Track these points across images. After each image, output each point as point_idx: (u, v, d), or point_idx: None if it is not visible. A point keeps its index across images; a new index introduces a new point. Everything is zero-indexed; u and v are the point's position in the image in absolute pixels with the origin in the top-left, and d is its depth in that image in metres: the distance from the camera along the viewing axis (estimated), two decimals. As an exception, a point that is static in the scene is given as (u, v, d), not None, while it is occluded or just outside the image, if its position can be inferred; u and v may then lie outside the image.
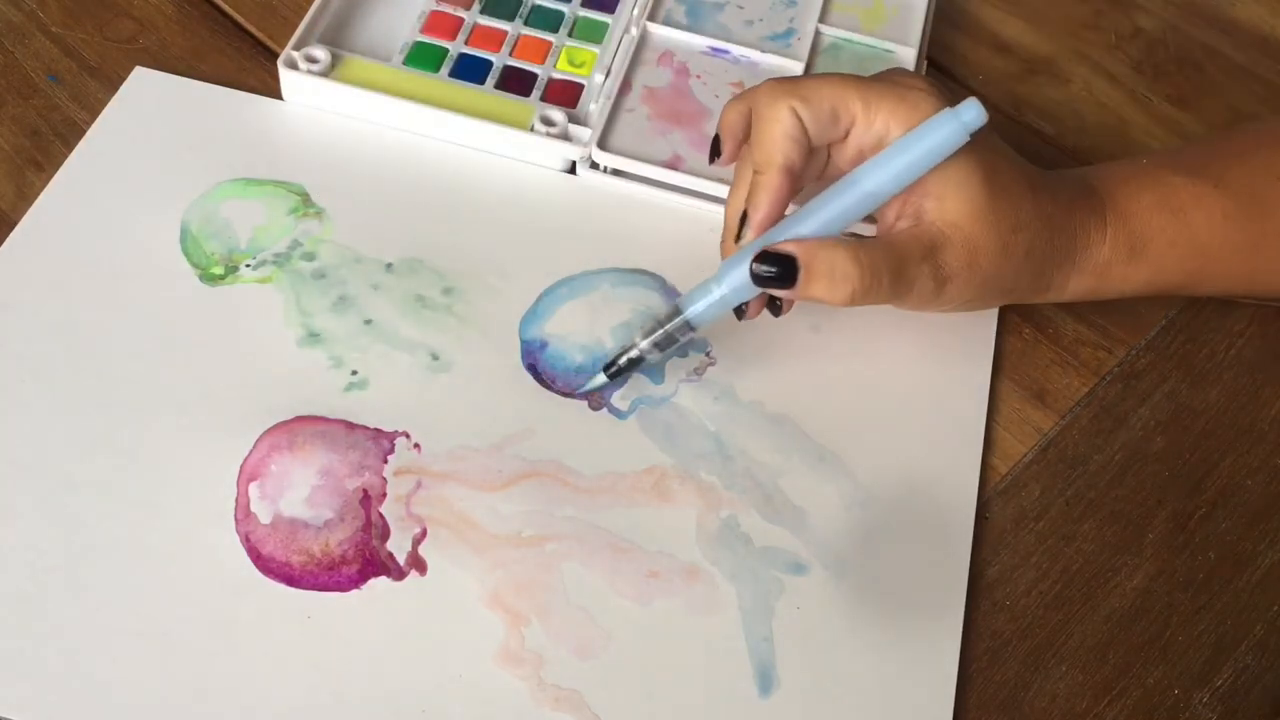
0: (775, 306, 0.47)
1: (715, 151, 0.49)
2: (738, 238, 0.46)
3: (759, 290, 0.45)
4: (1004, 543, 0.47)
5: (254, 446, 0.46)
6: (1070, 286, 0.48)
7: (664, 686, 0.43)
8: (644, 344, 0.47)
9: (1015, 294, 0.48)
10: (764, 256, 0.44)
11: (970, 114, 0.43)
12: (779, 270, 0.44)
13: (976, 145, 0.44)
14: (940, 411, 0.50)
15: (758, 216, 0.45)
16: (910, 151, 0.44)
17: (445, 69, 0.57)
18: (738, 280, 0.45)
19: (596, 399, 0.49)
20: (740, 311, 0.47)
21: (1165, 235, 0.47)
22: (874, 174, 0.44)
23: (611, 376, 0.48)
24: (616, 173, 0.55)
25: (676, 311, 0.47)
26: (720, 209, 0.54)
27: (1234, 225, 0.48)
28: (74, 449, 0.46)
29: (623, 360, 0.47)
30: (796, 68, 0.58)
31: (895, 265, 0.44)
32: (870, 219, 0.47)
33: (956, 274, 0.45)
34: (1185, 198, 0.48)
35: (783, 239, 0.44)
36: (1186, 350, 0.53)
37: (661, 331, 0.47)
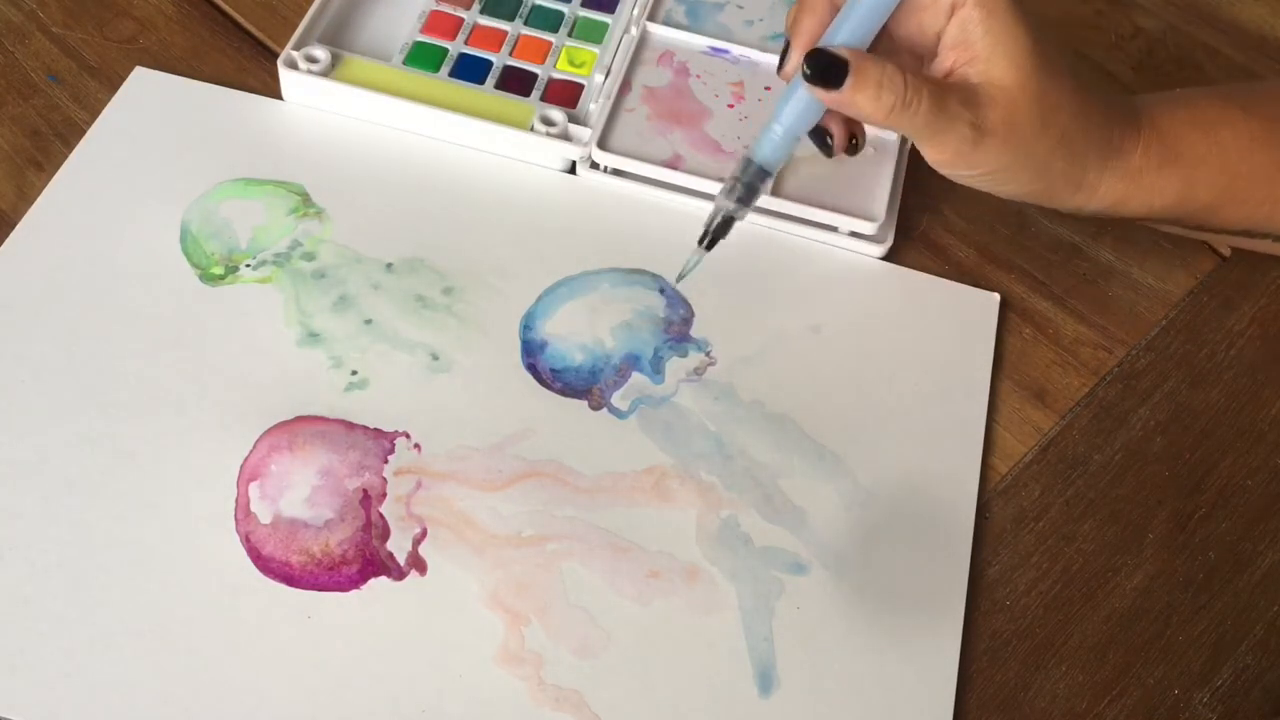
0: (854, 145, 0.47)
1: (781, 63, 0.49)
2: (782, 66, 0.46)
3: (814, 119, 0.45)
4: (1004, 543, 0.47)
5: (254, 446, 0.46)
6: (1102, 189, 0.48)
7: (664, 686, 0.43)
8: (728, 203, 0.47)
9: (1048, 180, 0.48)
10: (815, 55, 0.44)
11: None
12: (829, 70, 0.44)
13: (1029, 20, 0.45)
14: (940, 411, 0.50)
15: (800, 40, 0.45)
16: None
17: (445, 69, 0.57)
18: (793, 110, 0.45)
19: (597, 399, 0.49)
20: (829, 148, 0.47)
21: (1196, 150, 0.48)
22: None
23: (709, 246, 0.47)
24: (616, 172, 0.55)
25: (748, 162, 0.46)
26: (720, 209, 0.54)
27: (1261, 148, 0.49)
28: (74, 449, 0.46)
29: (713, 225, 0.47)
30: (796, 68, 0.58)
31: (938, 96, 0.44)
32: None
33: (995, 130, 0.45)
34: (1217, 119, 0.49)
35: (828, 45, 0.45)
36: (1186, 350, 0.53)
37: (741, 185, 0.46)
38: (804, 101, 0.45)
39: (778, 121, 0.46)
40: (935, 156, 0.47)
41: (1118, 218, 0.50)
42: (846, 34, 0.45)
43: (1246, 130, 0.49)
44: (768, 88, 0.58)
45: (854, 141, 0.48)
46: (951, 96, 0.45)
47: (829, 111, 0.46)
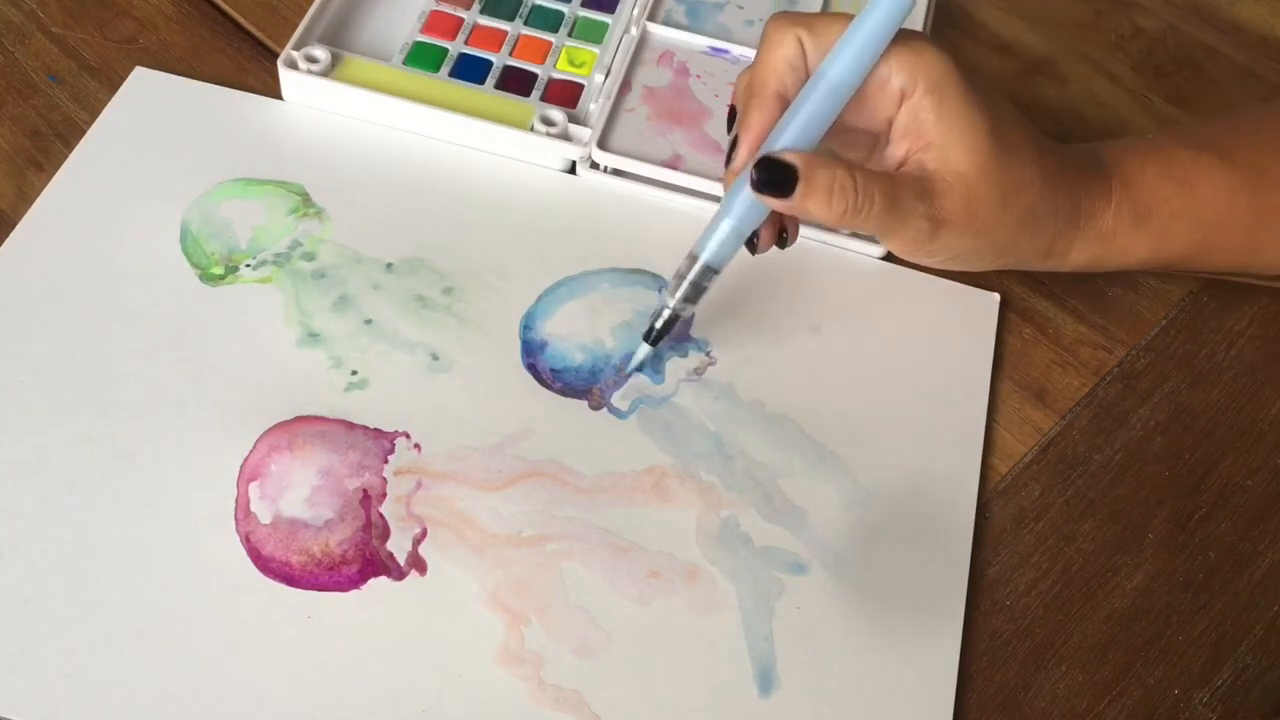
0: (782, 239, 0.47)
1: (729, 125, 0.49)
2: (729, 163, 0.46)
3: (764, 215, 0.45)
4: (1004, 543, 0.47)
5: (254, 446, 0.46)
6: (1073, 255, 0.48)
7: (664, 686, 0.43)
8: (674, 302, 0.47)
9: (1015, 255, 0.48)
10: (764, 163, 0.43)
11: None
12: (778, 178, 0.43)
13: (984, 101, 0.44)
14: (940, 411, 0.50)
15: (748, 137, 0.45)
16: (860, 30, 0.44)
17: (445, 69, 0.57)
18: (743, 208, 0.45)
19: (597, 399, 0.49)
20: (753, 245, 0.46)
21: (1170, 206, 0.48)
22: (834, 64, 0.44)
23: (654, 343, 0.48)
24: (616, 172, 0.55)
25: (694, 260, 0.46)
26: (718, 208, 0.54)
27: (1238, 198, 0.48)
28: (74, 449, 0.46)
29: (659, 324, 0.48)
30: (796, 68, 0.58)
31: (891, 194, 0.44)
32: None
33: (952, 220, 0.45)
34: (1191, 169, 0.48)
35: (776, 148, 0.44)
36: (1186, 350, 0.53)
37: (687, 284, 0.46)
38: (752, 199, 0.44)
39: (725, 217, 0.45)
40: (892, 247, 0.47)
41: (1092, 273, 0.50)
42: (795, 133, 0.44)
43: (1225, 181, 0.48)
44: (768, 88, 0.57)
45: (783, 237, 0.47)
46: (905, 191, 0.44)
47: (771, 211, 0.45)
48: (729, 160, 0.46)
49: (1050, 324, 0.53)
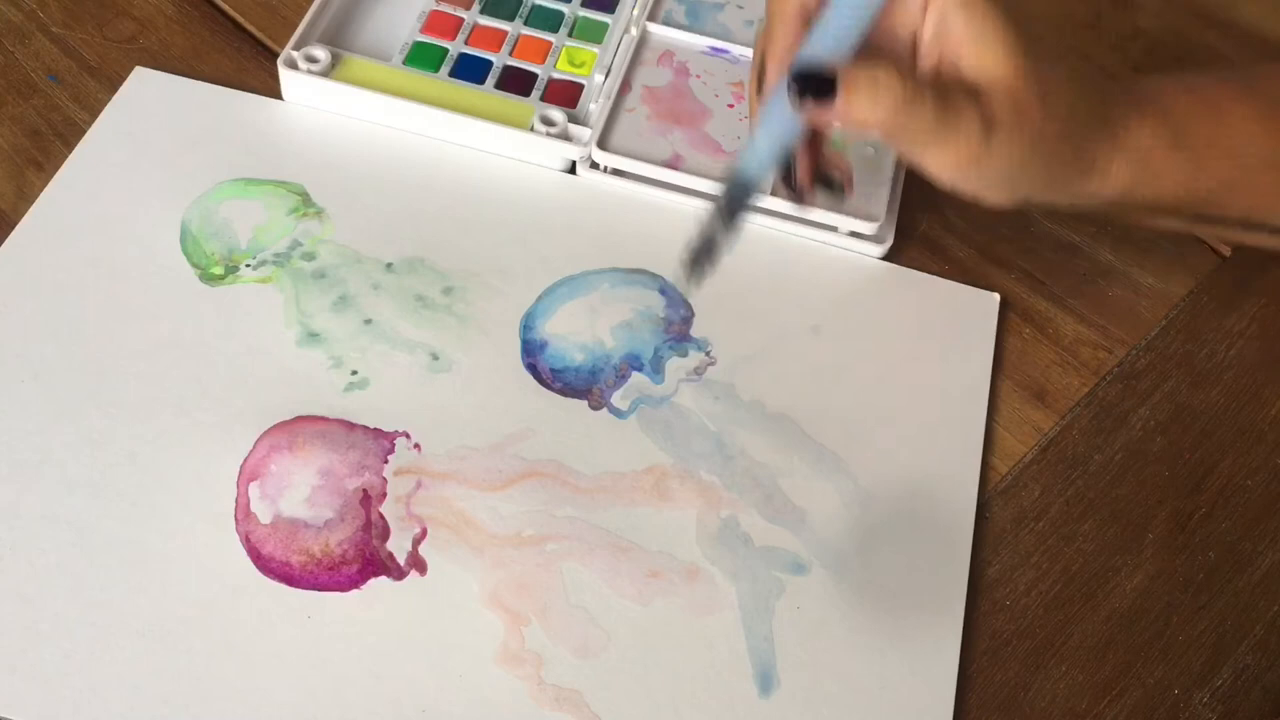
0: (830, 180, 0.44)
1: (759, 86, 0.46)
2: (759, 89, 0.44)
3: (799, 130, 0.42)
4: (1004, 543, 0.47)
5: (254, 446, 0.46)
6: (1113, 172, 0.45)
7: (664, 686, 0.43)
8: (709, 220, 0.43)
9: (1059, 169, 0.45)
10: (800, 73, 0.40)
11: None
12: (819, 85, 0.40)
13: (1010, 6, 0.42)
14: (940, 411, 0.50)
15: (776, 57, 0.43)
16: None
17: (445, 69, 0.57)
18: (776, 121, 0.41)
19: (597, 399, 0.49)
20: (794, 186, 0.44)
21: (1204, 132, 0.46)
22: None
23: (693, 268, 0.43)
24: (616, 173, 0.55)
25: (731, 173, 0.43)
26: (720, 209, 0.54)
27: (1269, 133, 0.47)
28: (74, 449, 0.46)
29: (697, 244, 0.43)
30: (796, 68, 0.58)
31: (940, 90, 0.41)
32: None
33: (1002, 120, 0.42)
34: (1223, 100, 0.47)
35: (808, 58, 0.41)
36: (1186, 350, 0.53)
37: (723, 196, 0.43)
38: (787, 114, 0.41)
39: (758, 131, 0.42)
40: (941, 163, 0.43)
41: (1122, 212, 0.48)
42: (826, 43, 0.41)
43: (1255, 113, 0.47)
44: (768, 88, 0.58)
45: (833, 180, 0.45)
46: (956, 87, 0.41)
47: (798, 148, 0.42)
48: (760, 86, 0.43)
49: (1050, 324, 0.53)
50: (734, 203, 0.43)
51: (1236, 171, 0.47)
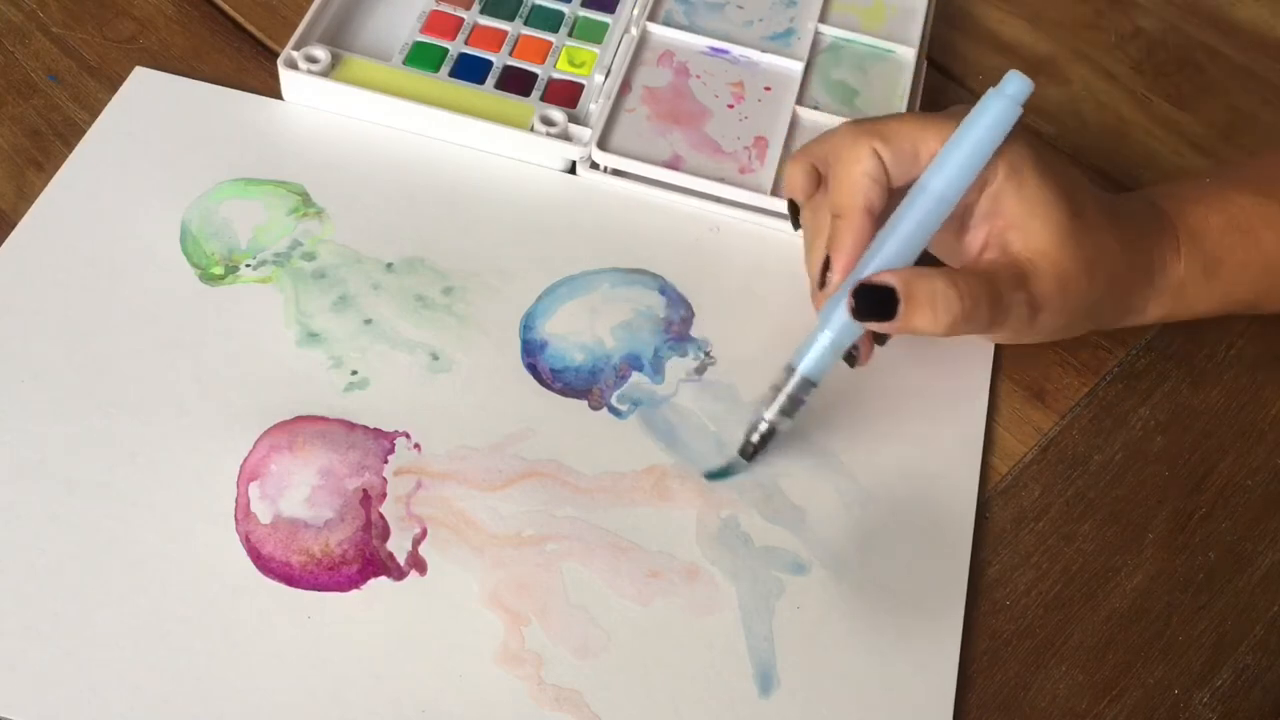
0: (881, 338, 0.46)
1: (795, 222, 0.49)
2: (822, 284, 0.45)
3: (863, 329, 0.44)
4: (1004, 543, 0.47)
5: (254, 446, 0.46)
6: (1150, 309, 0.49)
7: (664, 686, 0.43)
8: (771, 415, 0.46)
9: (1100, 319, 0.48)
10: (861, 291, 0.43)
11: (1013, 86, 0.43)
12: (879, 303, 0.42)
13: (1058, 177, 0.44)
14: (940, 411, 0.50)
15: (842, 260, 0.44)
16: (967, 139, 0.43)
17: (445, 69, 0.57)
18: (841, 322, 0.44)
19: (597, 399, 0.49)
20: (852, 358, 0.46)
21: (1236, 255, 0.48)
22: (939, 174, 0.43)
23: (750, 457, 0.47)
24: (616, 173, 0.55)
25: (791, 372, 0.45)
26: (719, 208, 0.54)
27: None
28: (74, 449, 0.46)
29: (755, 438, 0.46)
30: (796, 67, 0.58)
31: (992, 292, 0.43)
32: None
33: (1048, 301, 0.45)
34: (1254, 217, 0.48)
35: (870, 271, 0.43)
36: (1186, 350, 0.53)
37: (785, 397, 0.45)
38: (851, 319, 0.43)
39: (824, 330, 0.44)
40: (996, 339, 0.47)
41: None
42: (896, 249, 0.43)
43: None
44: (767, 88, 0.58)
45: (883, 336, 0.46)
46: (1004, 283, 0.44)
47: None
48: (822, 282, 0.45)
49: (1050, 324, 0.53)
50: (795, 401, 0.46)
51: (1274, 282, 0.49)
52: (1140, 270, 0.47)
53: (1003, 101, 0.43)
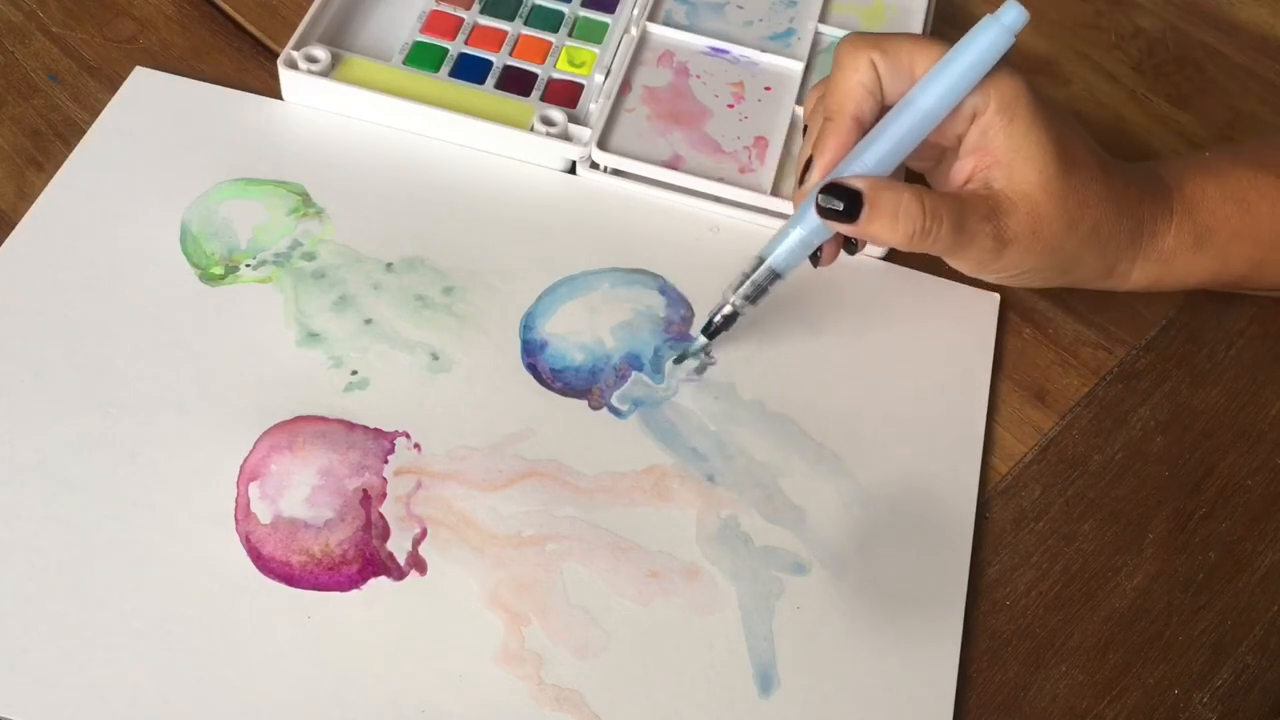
0: (851, 246, 0.47)
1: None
2: (801, 182, 0.46)
3: (832, 231, 0.45)
4: (1004, 543, 0.47)
5: (254, 446, 0.46)
6: (1135, 275, 0.48)
7: (664, 686, 0.43)
8: (735, 298, 0.47)
9: (1077, 274, 0.48)
10: (830, 188, 0.44)
11: (1010, 15, 0.43)
12: (844, 205, 0.44)
13: (1052, 122, 0.45)
14: (940, 411, 0.50)
15: (823, 161, 0.45)
16: (958, 61, 0.44)
17: (445, 69, 0.57)
18: (813, 220, 0.45)
19: (597, 398, 0.49)
20: (815, 258, 0.47)
21: (1230, 225, 0.48)
22: (925, 90, 0.44)
23: (711, 336, 0.48)
24: (616, 173, 0.55)
25: (760, 262, 0.47)
26: (719, 208, 0.54)
27: None
28: (74, 449, 0.46)
29: (717, 319, 0.48)
30: (796, 67, 0.58)
31: (957, 216, 0.44)
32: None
33: (1018, 239, 0.45)
34: (1250, 190, 0.48)
35: (849, 173, 0.44)
36: (1186, 350, 0.53)
37: (750, 283, 0.47)
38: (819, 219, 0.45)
39: (795, 226, 0.46)
40: (957, 266, 0.47)
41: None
42: (876, 158, 0.45)
43: None
44: (767, 88, 0.58)
45: (851, 243, 0.47)
46: (972, 212, 0.44)
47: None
48: (801, 179, 0.46)
49: (1050, 324, 0.53)
50: (759, 288, 0.47)
51: (1267, 257, 0.48)
52: (1127, 233, 0.47)
53: (996, 28, 0.43)
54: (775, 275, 0.47)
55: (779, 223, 0.54)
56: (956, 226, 0.44)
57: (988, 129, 0.45)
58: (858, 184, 0.44)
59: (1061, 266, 0.47)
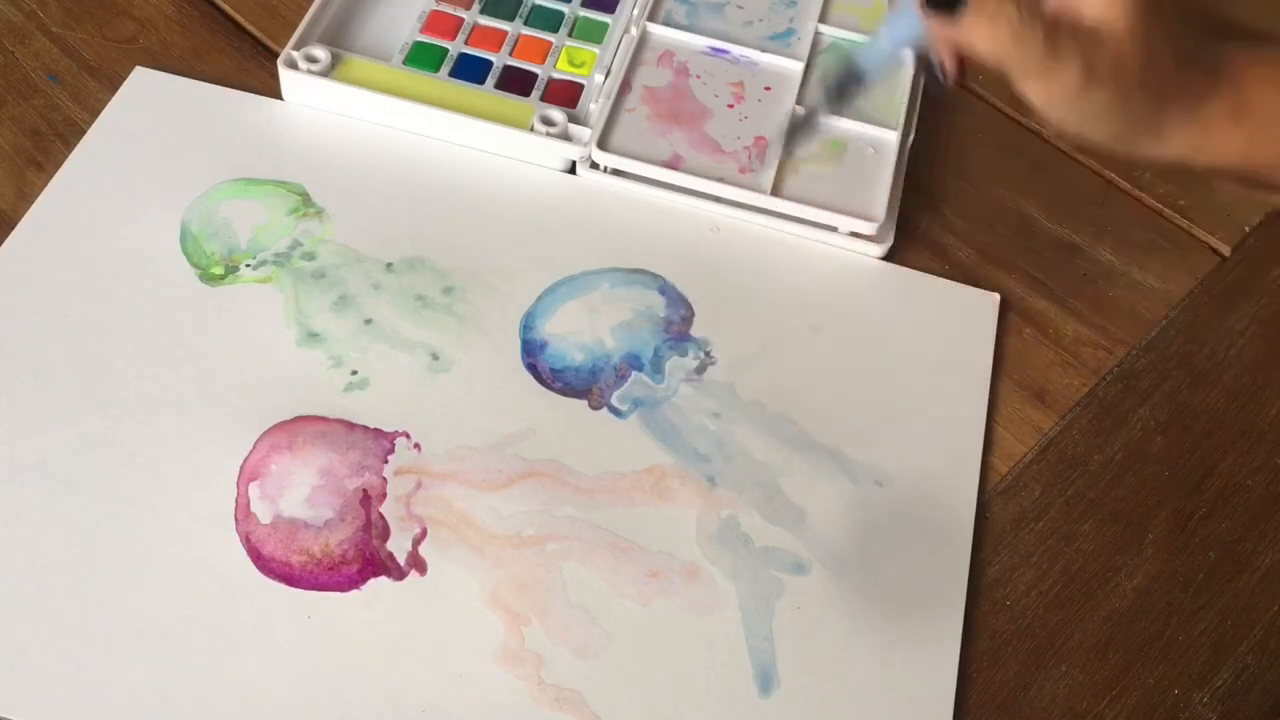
0: (938, 79, 0.46)
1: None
2: None
3: (920, 38, 0.45)
4: (1004, 543, 0.47)
5: (254, 446, 0.46)
6: (1175, 138, 0.48)
7: (664, 686, 0.43)
8: (819, 96, 0.47)
9: (1132, 125, 0.47)
10: None
11: None
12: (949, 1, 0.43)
13: None
14: (940, 411, 0.50)
15: None
16: None
17: (445, 69, 0.57)
18: (903, 24, 0.45)
19: (597, 399, 0.49)
20: (939, 77, 0.46)
21: (1270, 110, 0.48)
22: None
23: (792, 131, 0.48)
24: (616, 173, 0.55)
25: (847, 62, 0.46)
26: (719, 208, 0.54)
27: None
28: (74, 449, 0.46)
29: (804, 117, 0.47)
30: (796, 68, 0.58)
31: (1052, 30, 0.44)
32: None
33: (1102, 74, 0.45)
34: None
35: None
36: (1186, 350, 0.53)
37: (836, 80, 0.46)
38: (913, 19, 0.44)
39: (884, 30, 0.45)
40: (1038, 94, 0.46)
41: (1179, 167, 0.49)
42: None
43: None
44: (767, 88, 0.58)
45: (937, 80, 0.46)
46: (1064, 34, 0.44)
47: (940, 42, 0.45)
48: None
49: (1050, 324, 0.53)
50: (843, 89, 0.46)
51: None
52: (1183, 90, 0.47)
53: None
54: (860, 78, 0.45)
55: (779, 223, 0.54)
56: (1050, 41, 0.44)
57: None
58: None
59: (1125, 114, 0.47)
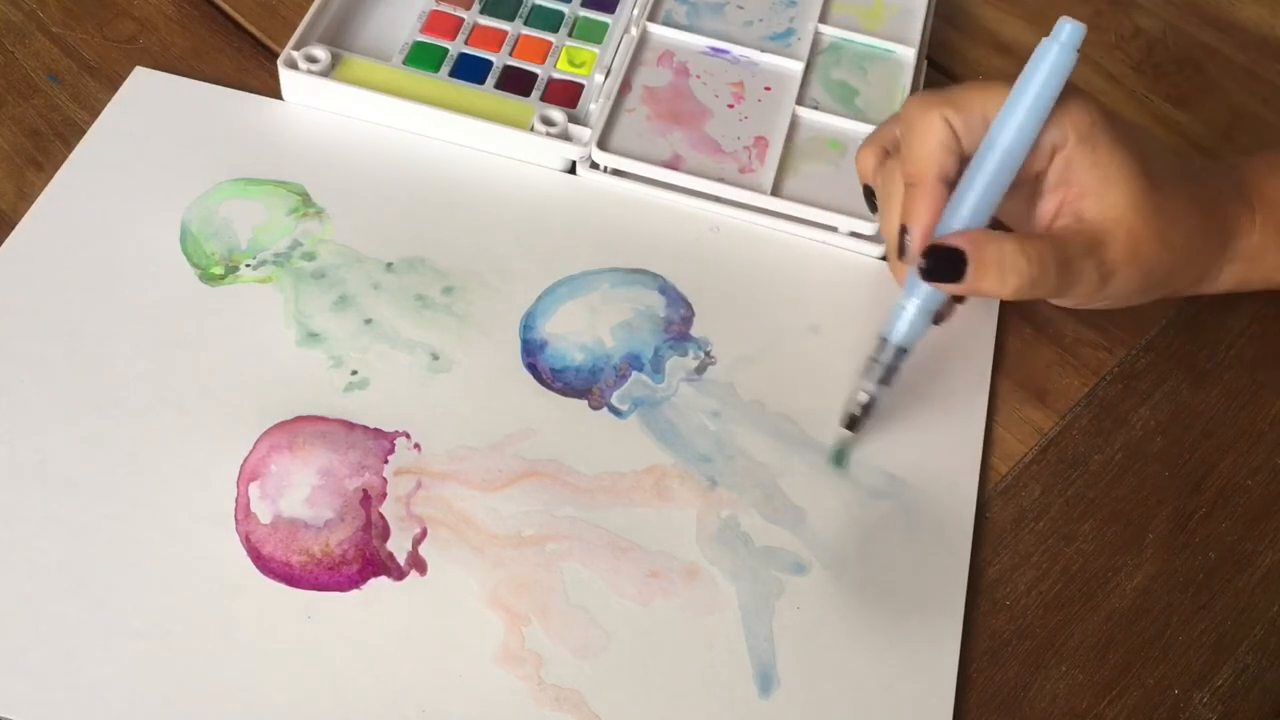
0: (960, 297, 0.47)
1: (872, 205, 0.49)
2: (901, 253, 0.45)
3: (939, 298, 0.45)
4: (1004, 543, 0.47)
5: (254, 446, 0.46)
6: (1223, 277, 0.48)
7: (664, 686, 0.43)
8: (870, 385, 0.47)
9: (1172, 286, 0.48)
10: (932, 252, 0.43)
11: (1066, 31, 0.43)
12: (948, 265, 0.43)
13: (1131, 142, 0.44)
14: (940, 411, 0.50)
15: (920, 227, 0.44)
16: (1027, 91, 0.43)
17: (445, 69, 0.57)
18: (926, 289, 0.45)
19: (597, 398, 0.49)
20: (939, 317, 0.47)
21: None
22: (1003, 129, 0.43)
23: (852, 429, 0.47)
24: (616, 173, 0.55)
25: (884, 342, 0.46)
26: (718, 208, 0.54)
27: None
28: (74, 449, 0.46)
29: (856, 410, 0.47)
30: (796, 67, 0.58)
31: (1061, 257, 0.44)
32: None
33: (1119, 268, 0.45)
34: None
35: (946, 232, 0.44)
36: (1186, 350, 0.53)
37: (881, 366, 0.46)
38: (929, 288, 0.45)
39: (909, 298, 0.45)
40: (1061, 303, 0.47)
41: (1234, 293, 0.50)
42: (970, 211, 0.44)
43: None
44: (768, 88, 0.58)
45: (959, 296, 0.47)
46: (1074, 249, 0.44)
47: None
48: (900, 250, 0.45)
49: (1050, 324, 0.53)
50: (890, 369, 0.47)
51: None
52: (1214, 237, 0.47)
53: (1056, 48, 0.43)
54: (903, 352, 0.46)
55: (779, 222, 0.54)
56: (1062, 269, 0.44)
57: (1071, 161, 0.44)
58: (958, 242, 0.43)
59: (1158, 284, 0.47)
